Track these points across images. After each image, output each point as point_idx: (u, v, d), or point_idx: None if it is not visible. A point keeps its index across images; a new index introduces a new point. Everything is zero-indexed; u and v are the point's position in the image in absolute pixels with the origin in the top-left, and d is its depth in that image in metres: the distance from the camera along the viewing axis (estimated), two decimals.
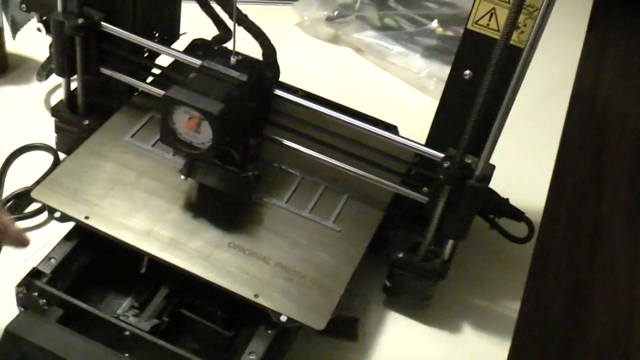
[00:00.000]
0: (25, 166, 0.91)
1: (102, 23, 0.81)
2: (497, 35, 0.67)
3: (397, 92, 1.12)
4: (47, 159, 0.91)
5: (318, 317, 0.68)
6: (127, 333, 0.68)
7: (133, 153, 0.80)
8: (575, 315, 1.84)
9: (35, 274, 0.71)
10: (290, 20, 1.20)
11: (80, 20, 0.79)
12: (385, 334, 0.80)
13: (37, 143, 0.92)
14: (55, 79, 0.97)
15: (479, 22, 0.69)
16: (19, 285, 0.71)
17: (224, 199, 0.75)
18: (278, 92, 0.77)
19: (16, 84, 1.02)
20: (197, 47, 0.95)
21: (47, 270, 0.72)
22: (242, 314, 0.72)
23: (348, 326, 0.79)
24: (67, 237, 0.74)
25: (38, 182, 0.86)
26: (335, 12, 1.18)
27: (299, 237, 0.75)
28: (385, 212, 0.80)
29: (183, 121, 0.70)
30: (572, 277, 1.94)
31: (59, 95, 0.91)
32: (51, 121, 0.90)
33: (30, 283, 0.70)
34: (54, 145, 0.92)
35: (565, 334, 1.80)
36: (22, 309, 0.73)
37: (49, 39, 0.88)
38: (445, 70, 1.12)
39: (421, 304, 0.81)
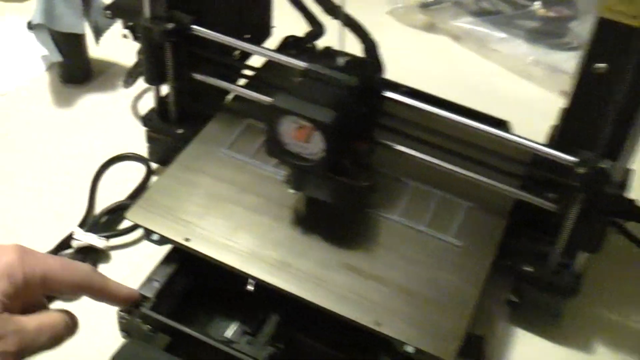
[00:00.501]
0: (116, 178, 0.87)
1: (193, 26, 0.76)
2: (636, 23, 0.59)
3: (501, 81, 1.04)
4: (138, 170, 0.87)
5: (446, 346, 0.62)
6: None
7: (231, 166, 0.75)
8: None
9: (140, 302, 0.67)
10: (381, 9, 1.14)
11: (170, 25, 0.74)
12: (513, 353, 0.73)
13: (129, 153, 0.88)
14: (141, 84, 0.93)
15: (613, 8, 0.61)
16: (121, 310, 0.67)
17: (333, 213, 0.70)
18: (387, 93, 0.71)
19: (102, 91, 0.98)
20: (289, 45, 0.90)
21: (150, 294, 0.67)
22: (360, 336, 0.66)
23: (473, 346, 0.72)
24: (167, 259, 0.70)
25: (132, 197, 0.82)
26: None
27: (417, 254, 0.69)
28: (507, 221, 0.73)
29: (291, 131, 0.64)
30: None
31: (147, 102, 0.87)
32: (140, 128, 0.86)
33: (133, 309, 0.66)
34: (145, 155, 0.87)
35: None
36: (125, 334, 0.69)
37: (133, 43, 0.83)
38: (552, 55, 1.05)
39: (550, 320, 0.74)
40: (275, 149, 0.66)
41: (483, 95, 0.98)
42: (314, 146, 0.64)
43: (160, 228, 0.69)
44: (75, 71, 0.97)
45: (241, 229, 0.69)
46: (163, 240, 0.69)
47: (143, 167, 0.87)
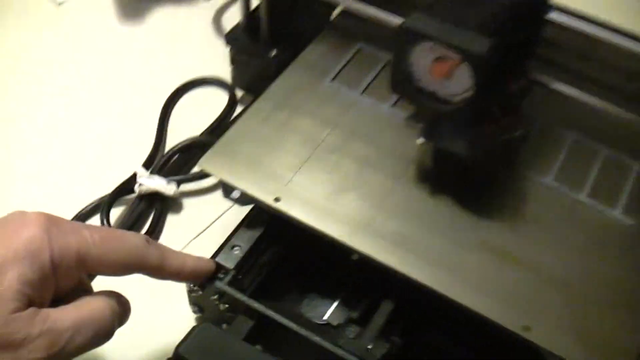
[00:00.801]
0: (192, 107, 0.72)
1: None
2: None
3: None
4: (219, 99, 0.71)
5: None
6: None
7: (337, 104, 0.58)
8: None
9: (218, 270, 0.52)
10: None
11: None
12: None
13: (208, 77, 0.73)
14: None
15: None
16: (194, 283, 0.52)
17: (470, 174, 0.53)
18: (554, 16, 0.53)
19: (176, 3, 0.82)
20: None
21: (229, 263, 0.52)
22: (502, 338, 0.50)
23: None
24: (251, 222, 0.55)
25: (210, 132, 0.67)
26: None
27: (575, 233, 0.52)
28: None
29: (427, 63, 0.47)
30: None
31: (233, 16, 0.71)
32: (223, 49, 0.70)
33: (204, 283, 0.52)
34: (228, 80, 0.72)
35: None
36: (197, 309, 0.55)
37: None
38: None
39: None
40: (403, 85, 0.49)
41: None
42: (457, 84, 0.47)
43: (244, 183, 0.53)
44: None
45: (348, 188, 0.53)
46: (245, 199, 0.54)
47: (225, 95, 0.71)
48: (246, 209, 0.55)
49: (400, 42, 0.47)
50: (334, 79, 0.61)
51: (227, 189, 0.54)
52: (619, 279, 0.50)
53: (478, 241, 0.51)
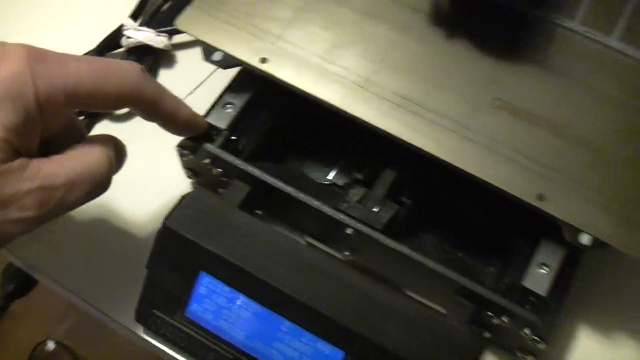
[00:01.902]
0: None
1: None
2: None
3: None
4: None
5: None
6: (349, 231, 0.44)
7: None
8: None
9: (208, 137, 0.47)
10: None
11: None
12: None
13: None
14: None
15: None
16: (180, 145, 0.48)
17: (477, 18, 0.46)
18: None
19: None
20: None
21: (222, 124, 0.47)
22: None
23: None
24: (240, 83, 0.49)
25: None
26: None
27: (606, 84, 0.45)
28: None
29: None
30: None
31: None
32: None
33: (197, 145, 0.47)
34: None
35: None
36: (191, 173, 0.51)
37: None
38: None
39: None
40: None
41: None
42: None
43: (226, 42, 0.47)
44: None
45: (347, 45, 0.47)
46: (228, 60, 0.47)
47: None
48: None
49: None
50: None
51: (207, 50, 0.48)
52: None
53: (492, 98, 0.45)
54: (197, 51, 0.49)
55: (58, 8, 0.62)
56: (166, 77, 0.58)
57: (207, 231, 0.43)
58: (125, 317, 0.48)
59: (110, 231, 0.51)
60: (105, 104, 0.39)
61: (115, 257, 0.50)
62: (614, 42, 0.47)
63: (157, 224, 0.44)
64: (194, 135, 0.46)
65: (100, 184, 0.39)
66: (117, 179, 0.41)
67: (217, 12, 0.48)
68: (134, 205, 0.52)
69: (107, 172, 0.40)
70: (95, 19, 0.60)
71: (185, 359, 0.46)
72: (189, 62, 0.59)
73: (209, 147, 0.46)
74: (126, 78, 0.39)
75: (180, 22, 0.48)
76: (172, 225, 0.43)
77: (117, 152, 0.41)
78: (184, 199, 0.45)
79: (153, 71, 0.58)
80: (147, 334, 0.47)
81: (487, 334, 0.45)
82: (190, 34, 0.48)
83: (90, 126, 0.56)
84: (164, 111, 0.42)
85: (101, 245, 0.51)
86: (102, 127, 0.56)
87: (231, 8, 0.48)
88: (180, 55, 0.59)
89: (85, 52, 0.57)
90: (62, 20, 0.61)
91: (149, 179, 0.53)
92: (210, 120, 0.47)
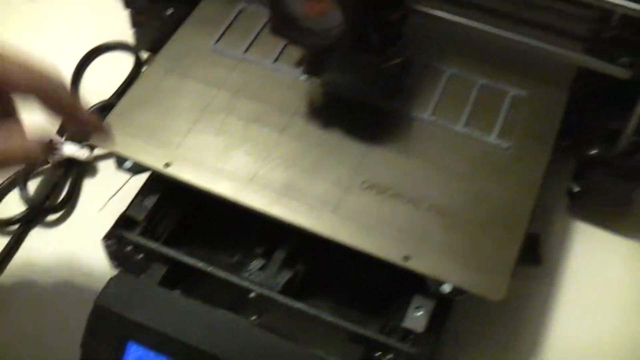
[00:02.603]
0: (101, 72, 0.74)
1: None
2: None
3: None
4: (128, 62, 0.74)
5: (494, 282, 0.49)
6: (252, 295, 0.53)
7: (221, 65, 0.61)
8: None
9: (126, 221, 0.56)
10: None
11: None
12: (575, 252, 0.62)
13: (113, 42, 0.75)
14: None
15: None
16: (106, 238, 0.56)
17: (351, 118, 0.57)
18: None
19: None
20: None
21: (140, 215, 0.56)
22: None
23: (527, 246, 0.61)
24: (151, 186, 0.58)
25: (119, 94, 0.70)
26: None
27: (456, 163, 0.56)
28: (565, 103, 0.59)
29: (301, 3, 0.50)
30: None
31: None
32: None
33: (120, 235, 0.55)
34: (132, 43, 0.74)
35: None
36: (117, 263, 0.59)
37: None
38: None
39: (618, 211, 0.62)
40: (283, 27, 0.52)
41: None
42: (330, 18, 0.51)
43: (134, 152, 0.56)
44: None
45: (236, 146, 0.56)
46: (138, 168, 0.56)
47: (131, 58, 0.74)
48: None
49: None
50: (218, 40, 0.63)
51: (119, 160, 0.56)
52: (498, 199, 0.54)
53: (361, 181, 0.54)
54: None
55: None
56: (89, 187, 0.67)
57: (132, 305, 0.51)
58: None
59: (42, 326, 0.59)
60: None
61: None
62: (459, 128, 0.58)
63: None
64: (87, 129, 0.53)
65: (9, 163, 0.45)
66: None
67: (126, 127, 0.57)
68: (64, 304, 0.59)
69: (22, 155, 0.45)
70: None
71: None
72: (109, 171, 0.67)
73: (130, 235, 0.55)
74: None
75: (94, 139, 0.56)
76: (102, 303, 0.51)
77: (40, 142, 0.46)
78: (111, 280, 0.53)
79: (78, 181, 0.66)
80: None
81: None
82: (103, 148, 0.57)
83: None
84: (65, 104, 0.47)
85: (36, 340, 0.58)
86: (35, 234, 0.64)
87: (138, 123, 0.57)
88: (101, 165, 0.68)
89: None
90: None
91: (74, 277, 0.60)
92: (130, 213, 0.56)
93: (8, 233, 0.63)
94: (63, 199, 0.65)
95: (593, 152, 0.59)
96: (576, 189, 0.61)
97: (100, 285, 0.52)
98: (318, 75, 0.57)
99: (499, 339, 0.58)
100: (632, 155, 0.58)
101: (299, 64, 0.58)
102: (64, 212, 0.65)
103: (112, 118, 0.58)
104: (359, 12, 0.51)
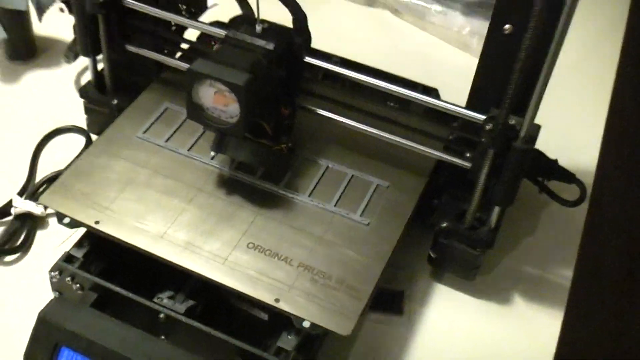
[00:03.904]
0: (58, 149, 0.89)
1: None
2: None
3: (438, 52, 1.07)
4: (79, 142, 0.89)
5: (344, 322, 0.64)
6: (161, 316, 0.66)
7: (146, 150, 0.77)
8: (633, 281, 1.74)
9: (68, 258, 0.70)
10: None
11: None
12: (432, 306, 0.77)
13: (68, 126, 0.91)
14: (84, 60, 0.95)
15: None
16: (52, 270, 0.69)
17: (243, 195, 0.73)
18: (309, 59, 0.74)
19: (46, 67, 1.01)
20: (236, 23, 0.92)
21: (79, 254, 0.70)
22: None
23: (393, 300, 0.76)
24: (88, 234, 0.72)
25: (69, 166, 0.85)
26: None
27: (324, 233, 0.71)
28: (420, 194, 0.76)
29: (210, 96, 0.67)
30: (629, 241, 1.81)
31: (89, 76, 0.90)
32: (81, 101, 0.88)
33: (63, 267, 0.69)
34: (85, 127, 0.90)
35: (621, 300, 1.70)
36: (58, 294, 0.72)
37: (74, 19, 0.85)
38: (487, 27, 1.08)
39: (468, 274, 0.78)
40: (196, 113, 0.69)
41: (420, 65, 1.01)
42: (232, 109, 0.67)
43: (72, 211, 0.70)
44: (20, 48, 1.00)
45: (152, 211, 0.71)
46: (73, 223, 0.71)
47: (83, 139, 0.89)
48: None
49: (190, 81, 0.67)
50: (146, 130, 0.79)
51: (59, 217, 0.71)
52: (356, 263, 0.69)
53: (246, 243, 0.69)
54: None
55: None
56: (42, 236, 0.80)
57: (67, 318, 0.64)
58: None
59: None
60: None
61: None
62: (330, 207, 0.73)
63: None
64: None
65: None
66: None
67: (67, 192, 0.72)
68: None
69: None
70: None
71: None
72: (57, 225, 0.81)
73: (70, 267, 0.68)
74: None
75: (42, 198, 0.72)
76: (43, 315, 0.64)
77: None
78: (53, 300, 0.66)
79: (33, 232, 0.80)
80: None
81: None
82: (49, 206, 0.72)
83: None
84: None
85: None
86: None
87: (76, 190, 0.72)
88: (52, 220, 0.82)
89: None
90: None
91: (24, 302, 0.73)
92: (72, 252, 0.70)
93: None
94: (20, 243, 0.79)
95: (444, 225, 0.75)
96: (434, 255, 0.77)
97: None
98: (222, 152, 0.72)
99: None
100: (476, 228, 0.75)
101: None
102: (19, 254, 0.79)
103: (56, 186, 0.73)
104: (255, 106, 0.67)
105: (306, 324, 0.64)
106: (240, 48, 0.69)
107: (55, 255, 0.70)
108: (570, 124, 0.96)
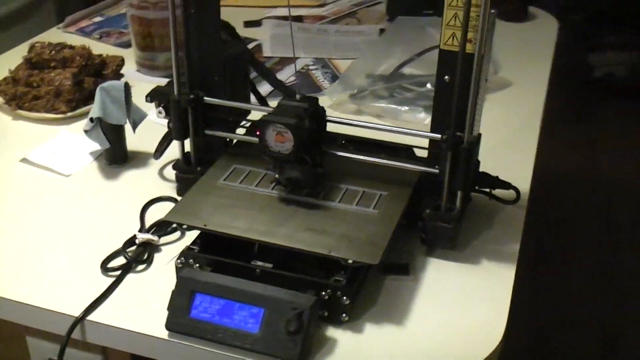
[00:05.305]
0: (155, 211, 1.28)
1: (205, 97, 1.22)
2: (457, 49, 1.07)
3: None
4: (169, 206, 1.29)
5: (371, 258, 1.02)
6: (257, 271, 1.04)
7: (227, 189, 1.17)
8: (561, 246, 2.95)
9: (186, 250, 1.08)
10: (324, 103, 1.61)
11: (191, 96, 1.20)
12: (428, 270, 1.15)
13: (161, 196, 1.31)
14: (165, 159, 1.38)
15: (446, 43, 1.09)
16: (178, 257, 1.07)
17: (295, 204, 1.13)
18: (330, 117, 1.17)
19: (136, 168, 1.42)
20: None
21: (195, 247, 1.08)
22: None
23: (402, 268, 1.14)
24: (200, 235, 1.11)
25: (179, 202, 1.24)
26: (355, 91, 1.60)
27: (351, 219, 1.11)
28: (410, 195, 1.16)
29: (273, 136, 1.09)
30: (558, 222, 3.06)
31: (170, 171, 1.32)
32: (164, 188, 1.30)
33: (187, 253, 1.07)
34: (175, 192, 1.30)
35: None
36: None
37: (153, 134, 1.28)
38: None
39: (448, 244, 1.16)
40: (264, 149, 1.10)
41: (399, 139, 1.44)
42: (288, 145, 1.09)
43: (187, 221, 1.10)
44: (118, 155, 1.41)
45: (239, 217, 1.10)
46: (190, 228, 1.11)
47: (172, 204, 1.29)
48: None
49: (261, 126, 1.09)
50: (224, 180, 1.20)
51: (180, 225, 1.13)
52: (373, 231, 1.07)
53: (304, 227, 1.08)
54: (170, 245, 1.13)
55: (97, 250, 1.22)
56: (156, 257, 1.18)
57: (198, 275, 1.02)
58: None
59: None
60: None
61: None
62: (352, 207, 1.13)
63: None
64: None
65: None
66: None
67: (182, 211, 1.12)
68: None
69: None
70: (121, 238, 1.20)
71: None
72: (167, 249, 1.18)
73: (192, 252, 1.06)
74: None
75: (167, 216, 1.11)
76: (182, 274, 1.01)
77: None
78: (184, 269, 1.03)
79: (152, 253, 1.17)
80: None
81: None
82: (172, 221, 1.12)
83: None
84: None
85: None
86: (130, 276, 1.14)
87: (187, 210, 1.12)
88: (163, 247, 1.20)
89: (119, 245, 1.17)
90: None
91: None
92: (190, 246, 1.08)
93: (113, 276, 1.13)
94: (145, 259, 1.16)
95: (428, 212, 1.14)
96: (424, 236, 1.16)
97: None
98: (281, 174, 1.13)
99: (382, 307, 1.08)
100: (448, 210, 1.14)
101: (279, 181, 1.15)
102: (145, 265, 1.16)
103: (175, 209, 1.13)
104: (300, 140, 1.09)
105: (350, 261, 1.02)
106: (289, 107, 1.12)
107: (167, 267, 1.10)
108: (508, 149, 1.42)
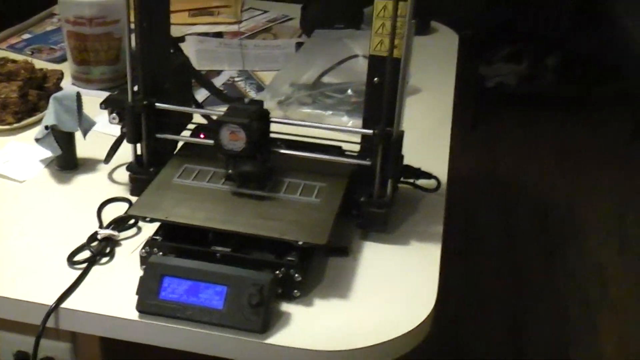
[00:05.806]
0: (110, 211, 1.39)
1: (156, 103, 1.34)
2: (386, 54, 1.23)
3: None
4: (123, 206, 1.40)
5: (319, 238, 1.17)
6: (218, 255, 1.16)
7: (182, 185, 1.29)
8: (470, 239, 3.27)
9: (150, 240, 1.19)
10: None
11: (145, 102, 1.32)
12: (365, 252, 1.30)
13: (114, 197, 1.41)
14: (114, 162, 1.48)
15: (375, 49, 1.25)
16: (143, 247, 1.18)
17: (246, 197, 1.26)
18: (273, 118, 1.31)
19: (88, 173, 1.51)
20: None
21: (158, 237, 1.20)
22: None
23: (342, 250, 1.29)
24: (162, 226, 1.23)
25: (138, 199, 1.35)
26: (283, 98, 1.74)
27: (297, 207, 1.25)
28: (347, 185, 1.32)
29: (227, 135, 1.22)
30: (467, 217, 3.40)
31: (119, 174, 1.42)
32: (114, 190, 1.41)
33: (151, 243, 1.18)
34: (129, 193, 1.41)
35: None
36: (144, 268, 1.20)
37: (102, 141, 1.39)
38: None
39: (381, 226, 1.32)
40: (219, 148, 1.23)
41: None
42: (240, 143, 1.22)
43: (150, 214, 1.22)
44: (69, 161, 1.50)
45: (198, 209, 1.23)
46: (152, 220, 1.22)
47: (126, 204, 1.40)
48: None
49: (216, 127, 1.22)
50: (179, 176, 1.32)
51: (144, 218, 1.23)
52: (317, 217, 1.22)
53: (257, 214, 1.22)
54: (130, 240, 1.23)
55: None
56: (117, 250, 1.28)
57: (165, 260, 1.13)
58: None
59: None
60: None
61: None
62: (296, 197, 1.28)
63: None
64: None
65: None
66: None
67: (143, 207, 1.26)
68: None
69: None
70: (82, 235, 1.30)
71: None
72: (127, 243, 1.29)
73: (155, 241, 1.18)
74: None
75: (130, 211, 1.23)
76: (151, 260, 1.13)
77: None
78: (152, 256, 1.15)
79: (113, 247, 1.28)
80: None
81: None
82: (137, 214, 1.23)
83: None
84: None
85: None
86: (96, 268, 1.24)
87: (148, 204, 1.24)
88: (123, 241, 1.30)
89: (83, 241, 1.27)
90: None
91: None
92: (153, 237, 1.19)
93: (79, 268, 1.23)
94: (107, 252, 1.26)
95: (363, 199, 1.30)
96: (360, 220, 1.31)
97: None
98: (234, 169, 1.26)
99: (328, 284, 1.23)
100: (380, 197, 1.30)
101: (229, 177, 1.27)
102: (108, 258, 1.26)
103: (137, 204, 1.25)
104: (252, 138, 1.22)
105: (300, 243, 1.16)
106: (239, 109, 1.25)
107: (129, 259, 1.22)
108: (428, 142, 1.60)
